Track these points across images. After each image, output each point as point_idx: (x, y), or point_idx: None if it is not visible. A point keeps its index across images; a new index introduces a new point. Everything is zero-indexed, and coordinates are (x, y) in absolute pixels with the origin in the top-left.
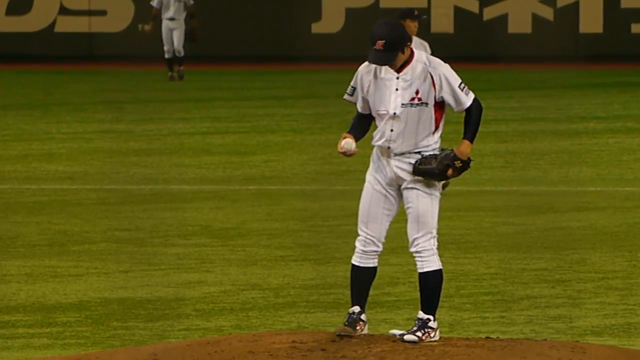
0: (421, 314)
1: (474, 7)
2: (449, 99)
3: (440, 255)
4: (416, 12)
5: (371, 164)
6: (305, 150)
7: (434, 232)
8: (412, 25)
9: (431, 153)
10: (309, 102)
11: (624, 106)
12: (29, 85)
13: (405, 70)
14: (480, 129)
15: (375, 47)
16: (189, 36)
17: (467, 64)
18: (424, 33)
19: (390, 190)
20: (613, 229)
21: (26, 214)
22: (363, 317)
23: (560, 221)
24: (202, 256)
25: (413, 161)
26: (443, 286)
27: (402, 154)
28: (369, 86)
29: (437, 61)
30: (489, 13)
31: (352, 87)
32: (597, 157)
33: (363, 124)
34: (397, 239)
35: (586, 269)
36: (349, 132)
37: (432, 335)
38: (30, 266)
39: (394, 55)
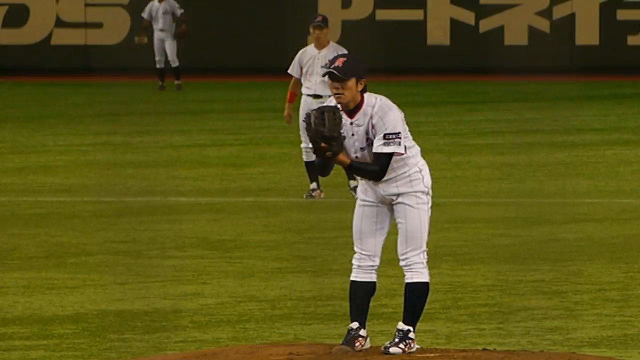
0: (402, 325)
1: (470, 19)
2: (374, 139)
3: (437, 267)
4: (319, 19)
5: (360, 185)
6: (302, 162)
7: (424, 246)
8: (315, 33)
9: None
10: None
11: (620, 118)
12: (25, 97)
13: (357, 117)
14: (477, 141)
15: (335, 62)
16: (177, 36)
17: (463, 75)
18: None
19: (381, 205)
20: (610, 240)
21: (23, 226)
22: (362, 332)
23: (557, 233)
24: (199, 268)
25: (400, 186)
26: (428, 299)
27: (386, 181)
28: None
29: (387, 106)
30: (485, 25)
31: None
32: (593, 169)
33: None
34: (393, 251)
35: (583, 281)
36: None
37: (412, 346)
38: (27, 278)
39: (348, 75)
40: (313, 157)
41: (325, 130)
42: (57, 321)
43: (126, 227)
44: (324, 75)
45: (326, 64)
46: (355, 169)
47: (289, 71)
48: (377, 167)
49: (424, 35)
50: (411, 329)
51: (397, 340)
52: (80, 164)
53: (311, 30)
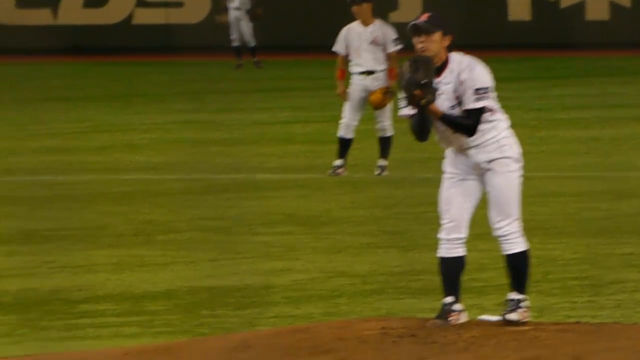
0: (514, 295)
1: None
2: (464, 95)
3: (527, 241)
4: None
5: (447, 158)
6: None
7: (516, 214)
8: (354, 10)
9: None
10: None
11: None
12: (109, 77)
13: (444, 74)
14: (562, 116)
15: (420, 18)
16: (250, 15)
17: (545, 51)
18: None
19: (469, 177)
20: None
21: (111, 204)
22: (456, 306)
23: None
24: (288, 244)
25: (490, 151)
26: (530, 266)
27: (476, 146)
28: None
29: (473, 62)
30: (567, 1)
31: None
32: None
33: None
34: (484, 225)
35: None
36: None
37: (526, 315)
38: (117, 256)
39: (432, 27)
40: (349, 135)
41: (420, 77)
42: (148, 298)
43: (214, 204)
44: (407, 30)
45: (374, 40)
46: (448, 121)
47: (334, 49)
48: (470, 121)
49: (505, 11)
50: (524, 297)
51: (511, 308)
52: (165, 142)
53: (352, 8)
